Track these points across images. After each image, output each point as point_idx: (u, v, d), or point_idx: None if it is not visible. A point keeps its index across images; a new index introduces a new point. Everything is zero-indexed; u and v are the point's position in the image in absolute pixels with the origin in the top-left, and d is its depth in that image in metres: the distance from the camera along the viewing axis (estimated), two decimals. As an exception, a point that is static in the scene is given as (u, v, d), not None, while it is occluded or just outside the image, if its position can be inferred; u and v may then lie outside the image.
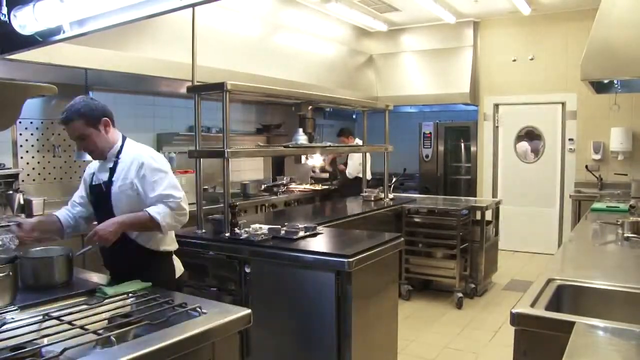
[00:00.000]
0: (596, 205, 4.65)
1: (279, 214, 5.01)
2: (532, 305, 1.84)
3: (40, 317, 1.63)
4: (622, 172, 6.38)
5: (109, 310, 1.74)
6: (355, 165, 6.55)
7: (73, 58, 3.53)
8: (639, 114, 6.28)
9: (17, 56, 2.51)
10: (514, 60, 7.09)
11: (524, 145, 7.26)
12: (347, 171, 6.72)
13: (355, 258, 2.70)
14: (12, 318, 1.64)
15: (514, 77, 7.09)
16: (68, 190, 4.46)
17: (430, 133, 7.79)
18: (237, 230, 3.18)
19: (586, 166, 6.58)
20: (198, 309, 1.71)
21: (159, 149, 5.26)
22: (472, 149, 7.58)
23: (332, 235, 3.30)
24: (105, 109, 2.31)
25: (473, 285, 5.11)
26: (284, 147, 4.14)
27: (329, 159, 6.96)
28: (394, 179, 5.71)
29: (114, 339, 1.47)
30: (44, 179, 4.35)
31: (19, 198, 3.95)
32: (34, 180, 4.28)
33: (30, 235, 2.25)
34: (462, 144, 7.82)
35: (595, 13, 4.13)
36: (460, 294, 4.85)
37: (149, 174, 2.26)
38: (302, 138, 4.12)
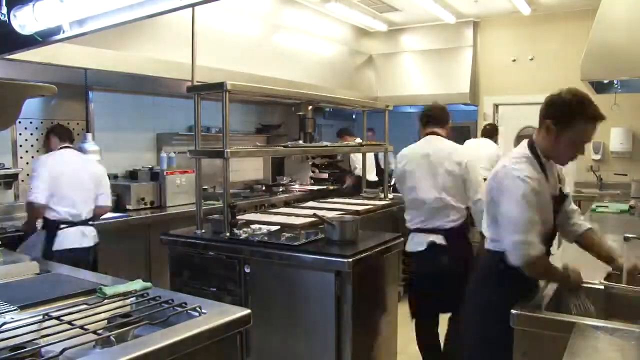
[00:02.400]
0: (596, 205, 4.65)
1: (279, 214, 5.00)
2: (532, 305, 1.84)
3: (40, 317, 1.63)
4: (622, 172, 6.37)
5: (108, 310, 1.74)
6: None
7: (73, 58, 3.53)
8: (639, 114, 6.27)
9: (17, 56, 2.52)
10: (514, 60, 7.08)
11: None
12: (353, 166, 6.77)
13: (355, 258, 2.71)
14: (12, 318, 1.63)
15: (514, 77, 7.08)
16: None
17: (430, 133, 7.78)
18: (236, 231, 3.18)
19: (591, 167, 6.56)
20: (198, 309, 1.71)
21: (158, 149, 5.26)
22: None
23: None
24: None
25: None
26: (284, 147, 4.14)
27: None
28: (393, 179, 5.69)
29: (113, 339, 1.47)
30: (44, 179, 4.34)
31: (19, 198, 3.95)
32: (33, 180, 4.27)
33: None
34: (462, 144, 7.79)
35: (595, 13, 4.14)
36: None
37: None
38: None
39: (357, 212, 4.40)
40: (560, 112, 1.98)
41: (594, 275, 2.15)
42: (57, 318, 1.62)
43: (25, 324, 1.58)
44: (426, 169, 3.13)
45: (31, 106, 4.19)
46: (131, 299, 1.87)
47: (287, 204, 5.72)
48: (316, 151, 5.15)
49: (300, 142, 4.32)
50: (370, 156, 6.46)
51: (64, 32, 1.87)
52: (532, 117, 7.84)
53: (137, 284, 1.97)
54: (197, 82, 3.64)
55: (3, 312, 1.70)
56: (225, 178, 3.27)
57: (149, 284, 2.00)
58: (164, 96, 5.37)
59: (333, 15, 6.74)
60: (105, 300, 1.82)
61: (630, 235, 2.58)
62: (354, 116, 8.45)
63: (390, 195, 5.26)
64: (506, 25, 7.15)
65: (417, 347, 3.27)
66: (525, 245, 1.87)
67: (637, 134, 6.32)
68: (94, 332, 1.52)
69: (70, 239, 3.38)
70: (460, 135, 7.78)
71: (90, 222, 3.55)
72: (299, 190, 6.29)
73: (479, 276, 2.19)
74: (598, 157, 6.54)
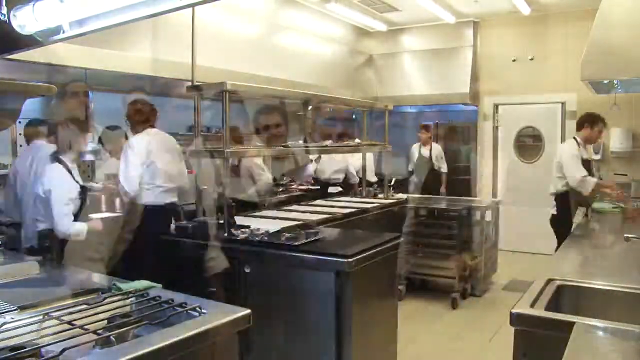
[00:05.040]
0: (596, 205, 4.64)
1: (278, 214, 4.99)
2: (532, 305, 1.84)
3: (40, 317, 1.63)
4: (622, 172, 6.37)
5: (108, 310, 1.74)
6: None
7: (73, 58, 3.53)
8: (639, 114, 6.27)
9: (17, 56, 2.51)
10: (514, 60, 7.08)
11: None
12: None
13: (355, 258, 2.71)
14: (12, 318, 1.64)
15: (514, 77, 7.08)
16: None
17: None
18: (235, 231, 3.18)
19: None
20: (198, 309, 1.71)
21: (158, 149, 5.24)
22: (472, 149, 7.59)
23: (332, 235, 3.29)
24: None
25: (470, 285, 5.11)
26: (284, 147, 4.14)
27: None
28: (393, 179, 5.70)
29: (113, 339, 1.47)
30: (44, 179, 4.34)
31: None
32: (33, 180, 4.27)
33: None
34: (462, 144, 7.82)
35: (595, 13, 4.13)
36: (455, 295, 4.82)
37: None
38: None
39: (364, 211, 4.41)
40: None
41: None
42: (57, 318, 1.63)
43: (25, 324, 1.58)
44: None
45: (31, 106, 4.19)
46: (131, 298, 1.87)
47: (286, 203, 5.72)
48: (316, 151, 5.15)
49: (300, 142, 4.32)
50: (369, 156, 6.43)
51: (64, 32, 1.87)
52: (532, 117, 7.87)
53: (147, 283, 1.97)
54: (197, 82, 3.64)
55: (3, 312, 1.70)
56: (225, 178, 3.27)
57: (159, 285, 1.99)
58: (164, 96, 5.36)
59: (333, 15, 6.74)
60: (105, 300, 1.82)
61: (630, 236, 2.58)
62: (354, 116, 8.44)
63: (391, 195, 5.26)
64: (506, 25, 7.15)
65: (417, 347, 3.27)
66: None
67: (637, 134, 6.32)
68: (94, 332, 1.52)
69: None
70: (461, 135, 7.80)
71: None
72: (299, 190, 6.28)
73: None
74: (598, 157, 6.53)
